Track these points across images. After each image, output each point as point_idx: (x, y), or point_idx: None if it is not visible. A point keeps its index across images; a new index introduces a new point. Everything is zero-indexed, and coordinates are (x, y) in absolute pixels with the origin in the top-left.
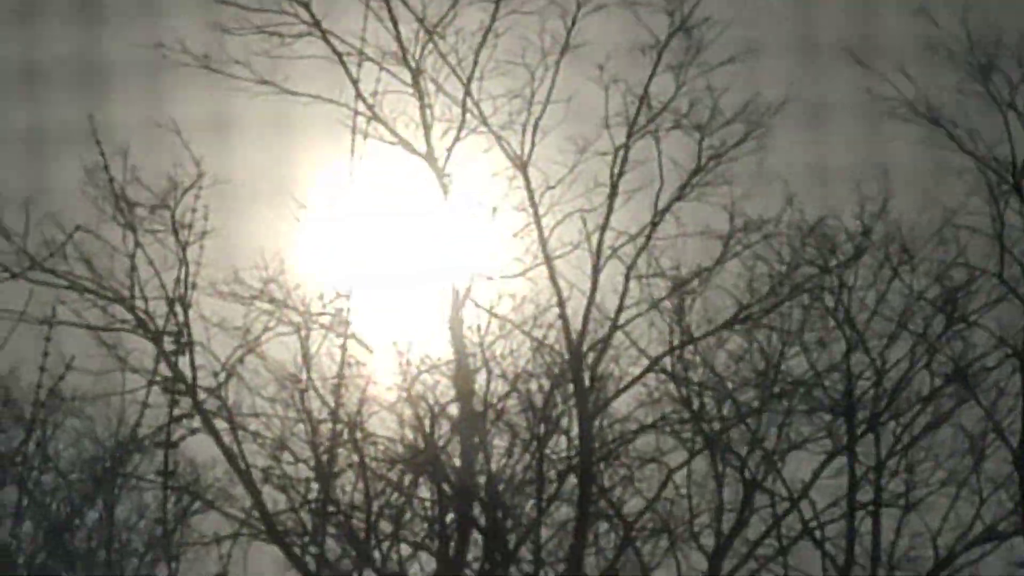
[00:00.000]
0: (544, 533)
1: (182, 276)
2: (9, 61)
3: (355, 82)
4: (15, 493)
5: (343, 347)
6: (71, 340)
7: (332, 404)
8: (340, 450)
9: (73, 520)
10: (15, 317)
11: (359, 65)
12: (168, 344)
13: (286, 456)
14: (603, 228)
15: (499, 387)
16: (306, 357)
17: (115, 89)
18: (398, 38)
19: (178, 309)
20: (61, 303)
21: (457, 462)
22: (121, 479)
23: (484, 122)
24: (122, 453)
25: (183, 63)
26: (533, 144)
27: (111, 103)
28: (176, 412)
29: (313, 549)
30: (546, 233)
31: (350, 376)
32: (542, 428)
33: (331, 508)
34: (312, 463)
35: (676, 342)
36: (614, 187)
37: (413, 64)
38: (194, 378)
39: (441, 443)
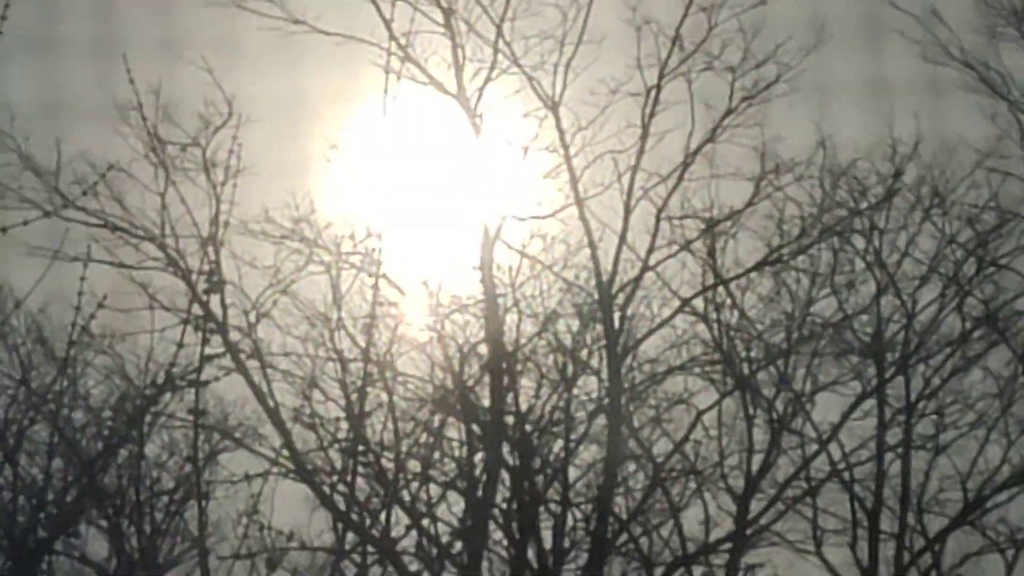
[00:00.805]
0: (573, 473)
1: (213, 215)
2: None
3: (387, 22)
4: (46, 430)
5: (374, 287)
6: (103, 279)
7: (362, 344)
8: (370, 390)
9: (104, 457)
10: (48, 255)
11: (392, 4)
12: (199, 283)
13: (316, 395)
14: (634, 169)
15: (529, 327)
16: (337, 297)
17: (145, 20)
18: None
19: (209, 248)
20: (95, 242)
21: (486, 402)
22: (152, 417)
23: (516, 63)
24: (153, 392)
25: (216, 1)
26: (564, 85)
27: (143, 37)
28: (207, 351)
29: (342, 488)
30: (577, 174)
31: (381, 316)
32: (571, 369)
33: (360, 448)
34: (342, 403)
35: (707, 283)
36: (645, 128)
37: (445, 4)
38: (225, 317)
39: (471, 383)
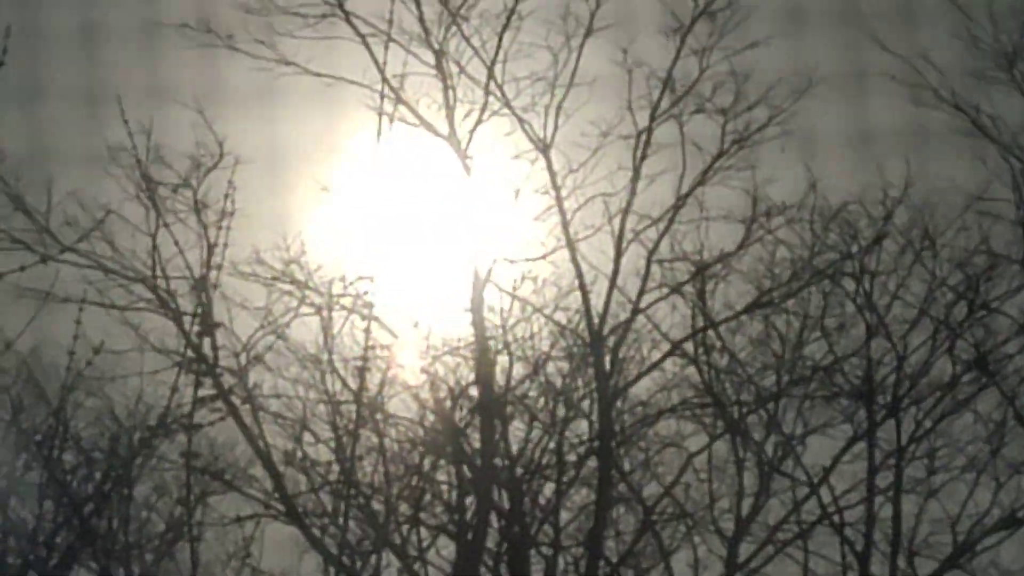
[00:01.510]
0: (564, 516)
1: (205, 257)
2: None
3: (379, 64)
4: (37, 472)
5: (366, 329)
6: (94, 320)
7: (354, 386)
8: (361, 432)
9: (95, 500)
10: (39, 297)
11: (386, 47)
12: (193, 325)
13: (307, 438)
14: (625, 212)
15: (520, 370)
16: (328, 339)
17: (135, 64)
18: (421, 20)
19: (200, 290)
20: (88, 284)
21: (477, 445)
22: (143, 460)
23: (507, 104)
24: (146, 436)
25: (207, 43)
26: (556, 127)
27: (131, 77)
28: (199, 393)
29: (333, 530)
30: (568, 216)
31: (372, 359)
32: (562, 411)
33: (352, 490)
34: (333, 445)
35: (697, 326)
36: (636, 171)
37: (437, 46)
38: (215, 359)
39: (462, 426)
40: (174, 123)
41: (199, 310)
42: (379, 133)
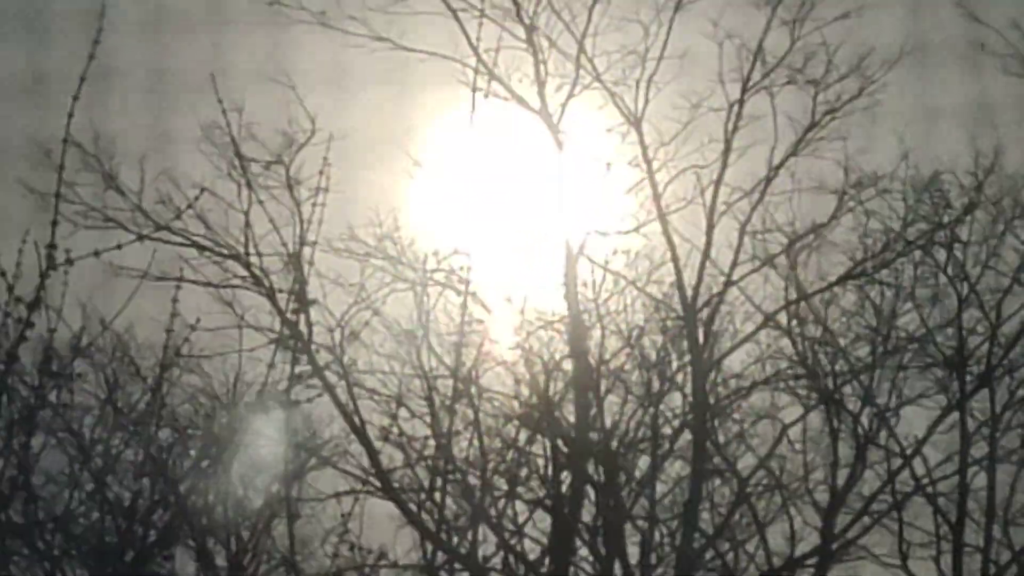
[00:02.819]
0: (659, 489)
1: (298, 233)
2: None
3: (470, 39)
4: (134, 450)
5: (462, 304)
6: (187, 298)
7: (449, 361)
8: (457, 407)
9: (192, 477)
10: (139, 276)
11: (480, 23)
12: (288, 302)
13: (403, 413)
14: (717, 184)
15: (613, 343)
16: (422, 314)
17: (230, 43)
18: None
19: (294, 266)
20: (184, 261)
21: (572, 419)
22: (240, 436)
23: (598, 78)
24: (245, 413)
25: (298, 19)
26: (647, 100)
27: (226, 55)
28: (296, 370)
29: (429, 506)
30: (660, 189)
31: (468, 333)
32: (657, 384)
33: (447, 465)
34: (429, 420)
35: (790, 298)
36: (728, 143)
37: (527, 20)
38: (310, 335)
39: (556, 400)
40: (267, 102)
41: (294, 287)
42: (472, 108)
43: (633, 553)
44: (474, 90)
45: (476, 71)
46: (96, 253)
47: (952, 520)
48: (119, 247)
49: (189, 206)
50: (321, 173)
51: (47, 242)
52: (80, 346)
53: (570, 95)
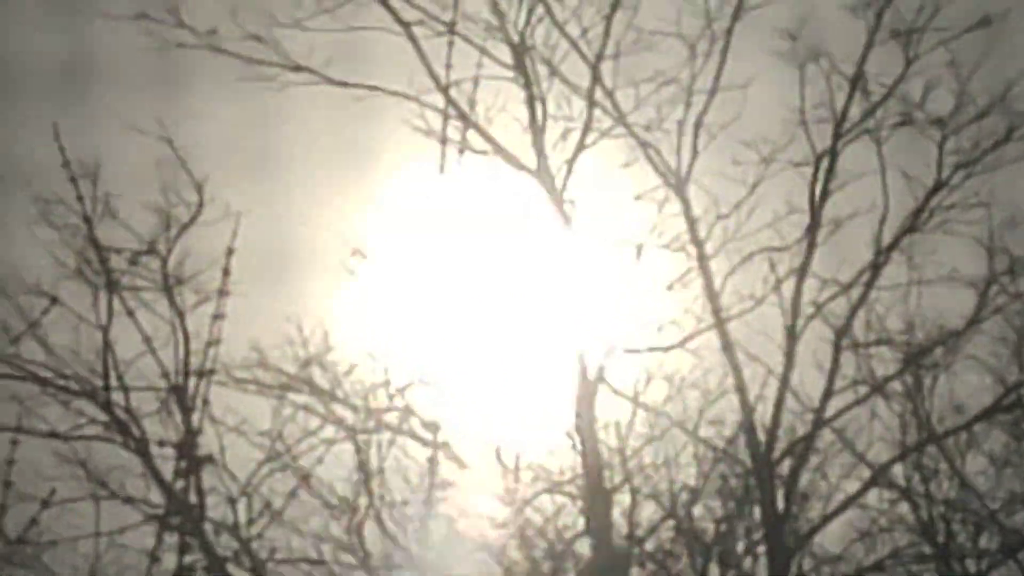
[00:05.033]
0: None
1: (181, 357)
2: None
3: (431, 68)
4: None
5: (430, 460)
6: (30, 451)
7: (408, 543)
8: None
9: None
10: None
11: (450, 43)
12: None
13: None
14: (800, 275)
15: (650, 514)
16: (368, 475)
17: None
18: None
19: (176, 406)
20: (19, 404)
21: None
22: None
23: (620, 120)
24: None
25: (176, 43)
26: (695, 152)
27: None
28: (187, 560)
29: None
30: (716, 283)
31: (436, 502)
32: (715, 573)
33: None
34: None
35: (910, 441)
36: (815, 214)
37: (516, 38)
38: (203, 510)
39: None
40: (135, 161)
41: (180, 438)
42: (441, 167)
43: None
44: (443, 142)
45: (445, 114)
46: None
47: None
48: None
49: (32, 327)
50: (225, 272)
51: None
52: None
53: (580, 146)
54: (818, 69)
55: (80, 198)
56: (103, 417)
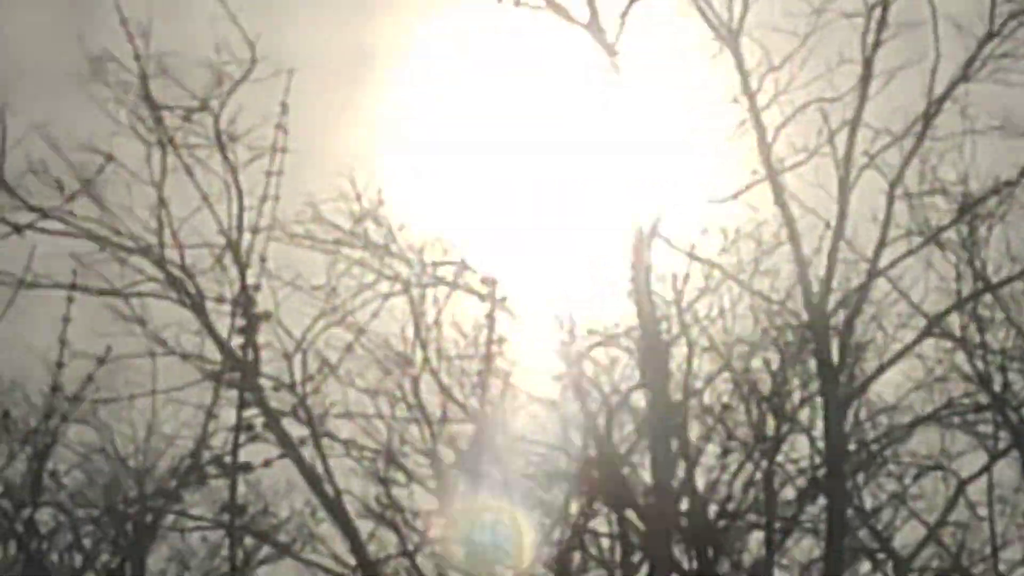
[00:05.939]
0: None
1: (235, 214)
2: None
3: None
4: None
5: (488, 316)
6: (84, 312)
7: (465, 399)
8: None
9: None
10: (12, 283)
11: None
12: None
13: (397, 477)
14: (853, 126)
15: (706, 366)
16: (422, 330)
17: None
18: None
19: (232, 262)
20: (76, 260)
21: (647, 477)
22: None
23: None
24: (171, 487)
25: None
26: (746, 4)
27: None
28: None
29: None
30: (769, 135)
31: (492, 357)
32: (772, 425)
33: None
34: (434, 487)
35: (966, 291)
36: (868, 65)
37: None
38: (258, 366)
39: (623, 450)
40: (186, 23)
41: (235, 294)
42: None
43: None
44: None
45: None
46: None
47: None
48: None
49: (87, 184)
50: (277, 126)
51: None
52: None
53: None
54: None
55: (137, 55)
56: (159, 274)
